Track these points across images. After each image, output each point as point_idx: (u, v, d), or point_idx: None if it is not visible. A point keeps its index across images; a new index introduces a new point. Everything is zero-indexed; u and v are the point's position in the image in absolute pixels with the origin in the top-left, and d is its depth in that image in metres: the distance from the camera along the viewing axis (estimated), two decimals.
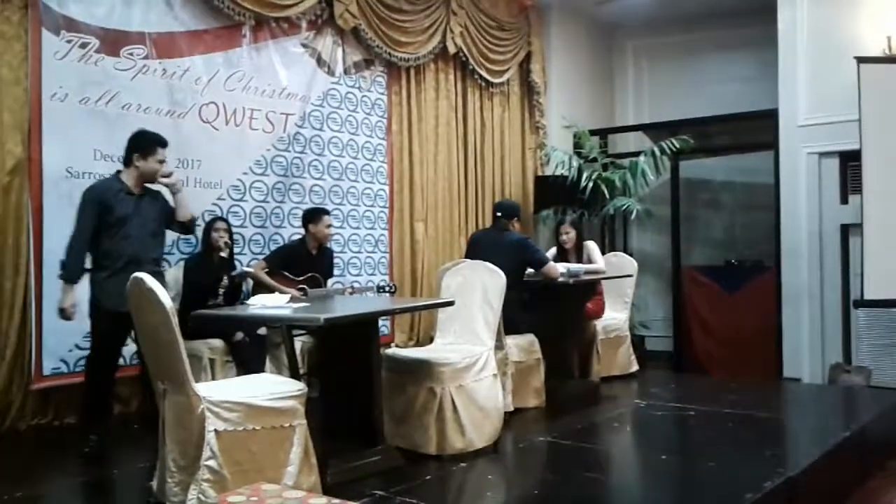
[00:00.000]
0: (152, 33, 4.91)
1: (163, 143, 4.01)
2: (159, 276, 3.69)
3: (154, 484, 3.12)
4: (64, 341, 4.43)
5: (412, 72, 6.61)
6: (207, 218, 5.01)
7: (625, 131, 8.46)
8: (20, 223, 4.36)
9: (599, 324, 5.70)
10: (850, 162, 6.30)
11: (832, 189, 6.52)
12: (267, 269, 4.92)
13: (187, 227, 4.27)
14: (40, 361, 4.40)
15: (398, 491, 3.23)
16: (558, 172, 7.48)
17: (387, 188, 6.45)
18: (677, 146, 7.13)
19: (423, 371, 3.83)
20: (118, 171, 4.00)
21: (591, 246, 5.71)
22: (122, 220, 3.85)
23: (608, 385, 5.54)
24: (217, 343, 4.59)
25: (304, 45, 5.80)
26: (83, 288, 3.90)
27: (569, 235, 5.64)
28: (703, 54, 8.27)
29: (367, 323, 3.65)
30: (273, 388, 3.13)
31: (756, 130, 7.24)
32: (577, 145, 7.77)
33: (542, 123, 7.85)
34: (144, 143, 3.96)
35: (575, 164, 7.36)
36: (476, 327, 4.18)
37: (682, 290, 7.67)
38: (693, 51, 8.29)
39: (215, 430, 2.86)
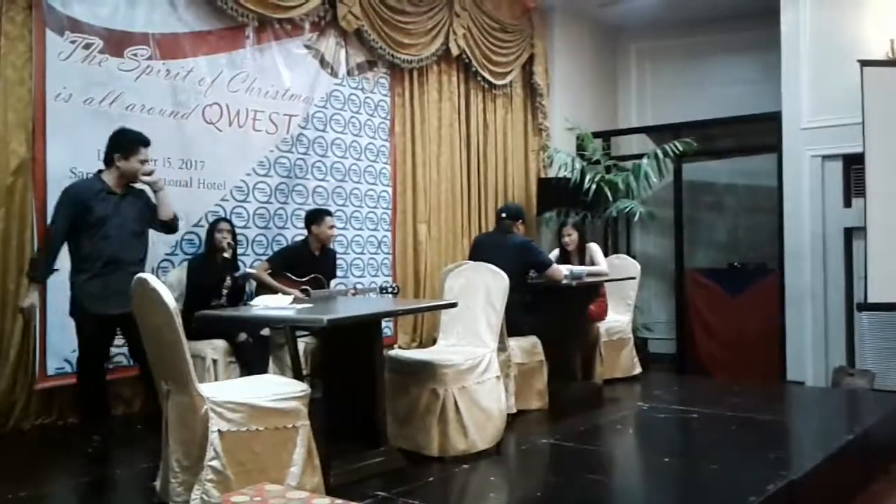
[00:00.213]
0: (156, 34, 4.92)
1: (145, 142, 3.93)
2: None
3: (157, 484, 3.12)
4: (67, 341, 4.41)
5: (415, 73, 6.62)
6: (211, 219, 5.03)
7: (628, 133, 8.46)
8: (24, 223, 4.36)
9: (602, 326, 5.70)
10: (853, 165, 6.30)
11: (835, 192, 6.51)
12: (270, 271, 4.93)
13: (170, 227, 4.14)
14: (44, 361, 4.41)
15: (401, 492, 3.24)
16: (561, 174, 7.49)
17: (390, 190, 6.46)
18: (680, 149, 7.12)
19: (425, 372, 3.83)
20: (99, 171, 3.95)
21: (594, 248, 5.71)
22: (101, 221, 3.77)
23: (611, 387, 5.53)
24: (220, 344, 4.59)
25: (307, 47, 5.81)
26: (64, 290, 3.90)
27: (571, 237, 5.64)
28: (706, 57, 8.27)
29: (370, 324, 3.65)
30: (276, 388, 3.14)
31: (759, 133, 7.23)
32: (581, 147, 7.77)
33: (545, 125, 7.85)
34: (126, 143, 3.89)
35: (578, 166, 7.36)
36: (479, 329, 4.18)
37: (685, 292, 7.67)
38: (696, 53, 8.30)
39: (219, 431, 2.86)
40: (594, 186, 7.19)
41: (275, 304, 3.73)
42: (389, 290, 5.73)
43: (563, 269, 5.05)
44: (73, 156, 4.52)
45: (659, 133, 7.93)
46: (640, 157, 7.46)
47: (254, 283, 5.00)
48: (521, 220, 5.28)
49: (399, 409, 3.87)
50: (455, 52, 6.79)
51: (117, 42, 4.74)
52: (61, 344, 4.43)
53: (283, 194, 5.66)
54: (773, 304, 6.80)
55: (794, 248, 6.64)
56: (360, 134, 6.24)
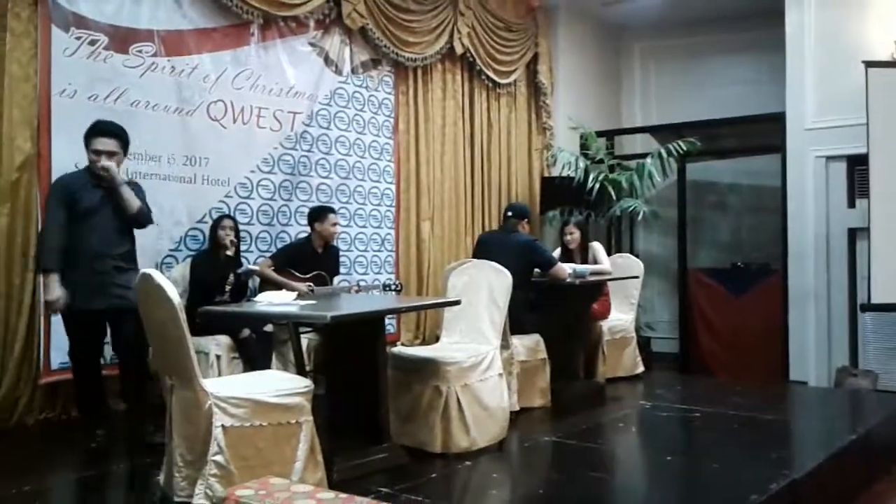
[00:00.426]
0: (161, 31, 4.93)
1: (101, 131, 3.79)
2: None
3: (161, 479, 3.14)
4: None
5: (419, 72, 6.62)
6: (215, 216, 5.04)
7: (632, 133, 8.46)
8: (29, 219, 4.37)
9: (605, 325, 5.71)
10: (857, 166, 6.29)
11: (839, 193, 6.50)
12: (273, 268, 4.94)
13: (138, 221, 3.91)
14: (48, 356, 4.42)
15: (403, 489, 3.24)
16: (565, 173, 7.49)
17: (393, 187, 6.46)
18: (684, 148, 7.12)
19: (428, 370, 3.83)
20: (87, 165, 3.91)
21: (597, 247, 5.71)
22: (86, 213, 3.72)
23: (613, 386, 5.53)
24: (224, 339, 4.60)
25: (311, 44, 5.81)
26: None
27: (573, 236, 5.64)
28: (710, 57, 8.26)
29: (373, 321, 3.66)
30: (280, 384, 3.15)
31: (763, 133, 7.22)
32: (584, 146, 7.76)
33: (548, 124, 7.85)
34: (87, 132, 3.80)
35: (581, 165, 7.35)
36: (482, 326, 4.19)
37: (688, 291, 7.67)
38: (701, 53, 8.29)
39: (222, 426, 2.87)
40: (598, 185, 7.19)
41: (278, 301, 3.74)
42: (393, 287, 5.73)
43: (567, 268, 5.06)
44: (78, 152, 4.46)
45: (662, 132, 7.93)
46: (643, 156, 7.46)
47: (257, 280, 5.02)
48: (526, 219, 5.30)
49: (402, 405, 3.88)
50: (459, 50, 6.79)
51: (122, 39, 4.75)
52: (65, 339, 4.42)
53: (287, 191, 5.67)
54: (776, 304, 6.80)
55: (798, 248, 6.63)
56: (364, 131, 6.24)
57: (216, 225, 4.86)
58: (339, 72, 6.02)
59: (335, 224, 5.21)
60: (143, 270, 3.07)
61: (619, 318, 5.97)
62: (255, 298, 4.10)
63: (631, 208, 7.14)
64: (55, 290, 3.69)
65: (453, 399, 3.77)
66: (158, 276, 2.96)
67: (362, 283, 5.90)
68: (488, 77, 7.18)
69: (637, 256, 6.78)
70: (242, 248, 5.11)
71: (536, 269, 4.98)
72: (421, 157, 6.63)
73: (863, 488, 4.06)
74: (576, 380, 5.18)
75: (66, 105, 4.48)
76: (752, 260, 7.61)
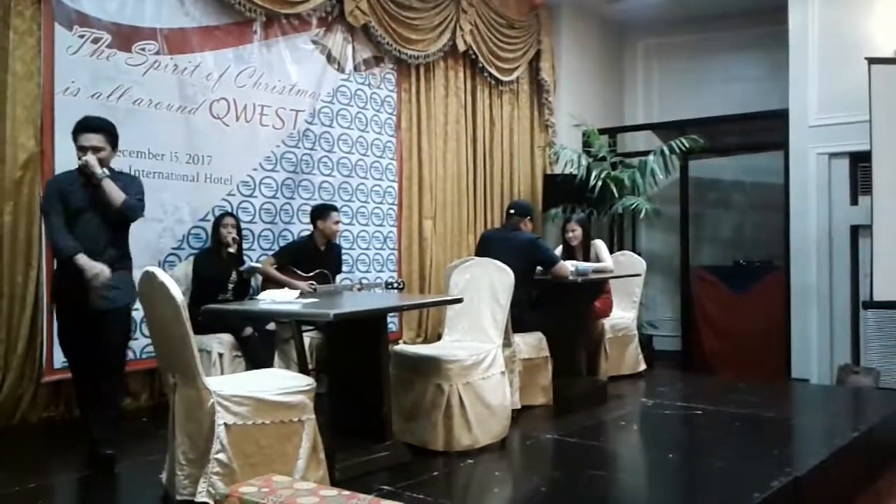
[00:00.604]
0: (164, 29, 4.94)
1: (86, 126, 3.66)
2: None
3: (164, 476, 3.15)
4: None
5: (422, 69, 6.62)
6: (217, 213, 5.04)
7: (634, 130, 8.45)
8: (32, 217, 4.39)
9: (607, 322, 5.71)
10: (860, 163, 6.29)
11: (842, 190, 6.50)
12: (275, 266, 4.95)
13: (126, 215, 3.70)
14: (51, 354, 4.43)
15: (405, 486, 3.25)
16: (567, 171, 7.48)
17: (396, 185, 6.47)
18: (687, 146, 7.11)
19: (430, 368, 3.84)
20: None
21: (599, 244, 5.71)
22: (76, 213, 3.65)
23: (615, 384, 5.54)
24: (226, 337, 4.62)
25: (314, 42, 5.82)
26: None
27: (575, 233, 5.64)
28: (713, 54, 8.25)
29: (375, 319, 3.67)
30: (282, 382, 3.16)
31: (766, 130, 7.22)
32: (587, 144, 7.76)
33: (551, 122, 7.85)
34: (73, 129, 3.71)
35: (584, 162, 7.35)
36: (484, 324, 4.20)
37: (690, 289, 7.66)
38: (703, 50, 8.28)
39: (225, 424, 2.88)
40: (600, 183, 7.19)
41: (281, 299, 3.74)
42: (395, 285, 5.74)
43: (569, 265, 5.06)
44: None
45: (665, 130, 7.92)
46: (646, 153, 7.45)
47: (260, 278, 5.02)
48: (528, 217, 5.29)
49: (404, 403, 3.89)
50: (462, 47, 6.79)
51: (125, 37, 4.76)
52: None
53: (290, 189, 5.68)
54: (778, 301, 6.79)
55: (800, 245, 6.63)
56: (367, 129, 6.24)
57: (218, 222, 4.87)
58: (341, 69, 6.03)
59: (337, 222, 5.22)
60: (145, 268, 3.08)
61: (621, 315, 5.97)
62: (258, 297, 4.11)
63: (633, 206, 7.14)
64: (92, 264, 3.54)
65: (455, 397, 3.78)
66: (161, 274, 2.96)
67: (364, 282, 5.90)
68: (491, 74, 7.18)
69: (639, 254, 6.78)
70: (245, 246, 5.12)
71: (539, 267, 4.98)
72: (423, 155, 6.63)
73: (865, 486, 4.06)
74: (578, 378, 5.18)
75: (69, 103, 4.48)
76: (754, 257, 7.60)
